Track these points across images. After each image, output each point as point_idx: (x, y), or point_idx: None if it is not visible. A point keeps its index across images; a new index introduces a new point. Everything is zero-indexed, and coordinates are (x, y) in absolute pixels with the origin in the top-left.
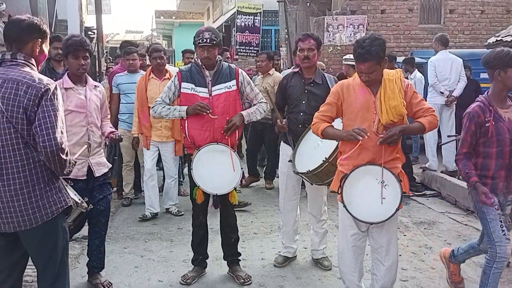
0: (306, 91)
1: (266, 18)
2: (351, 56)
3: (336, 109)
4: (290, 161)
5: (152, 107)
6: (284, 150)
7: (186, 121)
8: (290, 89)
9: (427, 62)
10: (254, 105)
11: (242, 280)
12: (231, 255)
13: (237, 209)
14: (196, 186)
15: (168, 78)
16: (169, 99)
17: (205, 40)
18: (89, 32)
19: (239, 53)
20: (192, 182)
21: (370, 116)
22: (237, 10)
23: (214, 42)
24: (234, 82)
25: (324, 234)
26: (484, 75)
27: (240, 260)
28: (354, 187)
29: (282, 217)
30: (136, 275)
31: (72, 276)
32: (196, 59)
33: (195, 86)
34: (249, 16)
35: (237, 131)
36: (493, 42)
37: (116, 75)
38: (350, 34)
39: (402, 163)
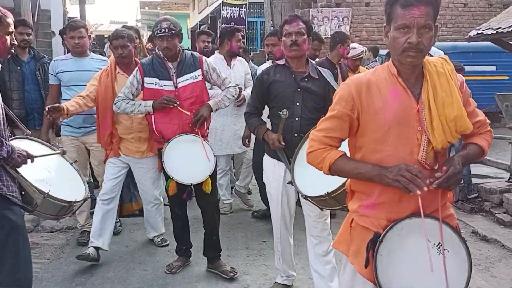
0: (299, 89)
1: (251, 10)
2: (359, 46)
3: (349, 124)
4: (290, 182)
5: (115, 103)
6: (272, 167)
7: (152, 116)
8: (276, 87)
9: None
10: (222, 91)
11: (232, 274)
12: (211, 251)
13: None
14: (170, 178)
15: None
16: (132, 95)
17: (163, 30)
18: None
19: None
20: (166, 174)
21: (412, 136)
22: (222, 1)
23: (173, 31)
24: (199, 71)
25: (332, 272)
26: (468, 68)
27: (221, 255)
28: (396, 256)
29: (277, 246)
30: (121, 265)
31: (57, 266)
32: (157, 51)
33: (159, 79)
34: (234, 7)
35: (206, 122)
36: (474, 35)
37: (55, 59)
38: (335, 27)
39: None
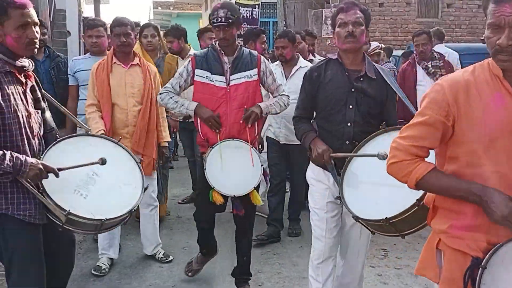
0: (353, 89)
1: (264, 10)
2: (374, 42)
3: (442, 133)
4: (338, 197)
5: (160, 94)
6: (316, 175)
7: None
8: (326, 86)
9: None
10: (274, 97)
11: None
12: (240, 274)
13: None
14: (211, 188)
15: (138, 64)
16: (180, 87)
17: (219, 19)
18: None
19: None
20: (205, 184)
21: None
22: (235, 1)
23: (230, 20)
24: (255, 70)
25: None
26: None
27: (250, 280)
28: (502, 285)
29: (317, 273)
30: (138, 261)
31: (75, 262)
32: (213, 44)
33: (211, 74)
34: (247, 8)
35: (256, 125)
36: None
37: (73, 58)
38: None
39: None
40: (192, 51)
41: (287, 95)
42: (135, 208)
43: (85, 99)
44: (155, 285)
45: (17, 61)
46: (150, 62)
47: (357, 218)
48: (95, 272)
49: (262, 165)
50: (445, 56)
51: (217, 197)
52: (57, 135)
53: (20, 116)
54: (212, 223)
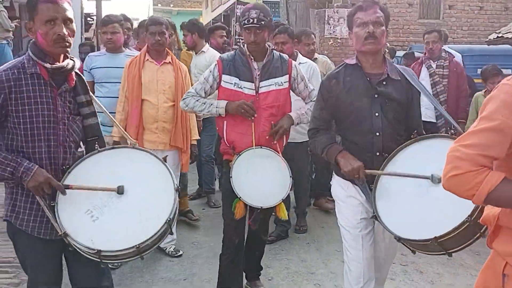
0: (376, 95)
1: None
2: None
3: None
4: (374, 216)
5: (184, 99)
6: (344, 191)
7: (224, 122)
8: (347, 94)
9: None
10: (306, 103)
11: None
12: (251, 270)
13: None
14: (236, 198)
15: (170, 62)
16: (205, 93)
17: (251, 20)
18: (88, 18)
19: (238, 44)
20: (229, 194)
21: None
22: (236, 0)
23: (263, 22)
24: (286, 77)
25: None
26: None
27: (260, 274)
28: None
29: None
30: (149, 255)
31: None
32: (241, 46)
33: (240, 80)
34: None
35: (285, 136)
36: (494, 38)
37: (89, 55)
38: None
39: None
40: (206, 47)
41: None
42: (142, 245)
43: (102, 96)
44: (167, 278)
45: (47, 62)
46: None
47: (399, 239)
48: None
49: (291, 177)
50: (454, 56)
51: (240, 209)
52: (96, 145)
53: (41, 121)
54: (241, 235)
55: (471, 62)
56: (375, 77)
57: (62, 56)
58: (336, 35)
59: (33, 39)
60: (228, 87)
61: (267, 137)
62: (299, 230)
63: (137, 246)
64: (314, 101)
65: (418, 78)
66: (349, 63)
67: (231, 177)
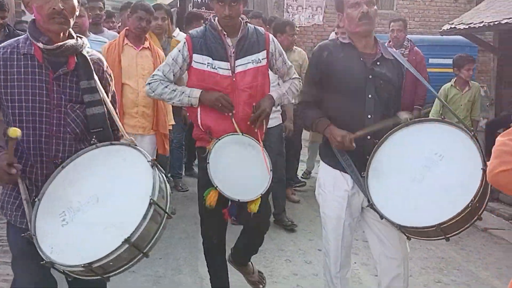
0: (371, 76)
1: None
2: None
3: None
4: (370, 205)
5: (149, 83)
6: (332, 180)
7: (198, 108)
8: (340, 72)
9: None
10: (285, 82)
11: (261, 286)
12: (242, 260)
13: None
14: (212, 186)
15: (149, 47)
16: (174, 76)
17: None
18: None
19: None
20: (205, 181)
21: None
22: None
23: None
24: (264, 53)
25: None
26: (432, 61)
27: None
28: None
29: (336, 285)
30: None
31: None
32: (212, 20)
33: (213, 59)
34: None
35: (264, 121)
36: (447, 29)
37: None
38: (309, 16)
39: None
40: (177, 32)
41: (298, 78)
42: (94, 264)
43: None
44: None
45: (41, 42)
46: (157, 45)
47: (400, 227)
48: None
49: (271, 170)
50: (414, 46)
51: (212, 198)
52: (93, 139)
53: (31, 107)
54: (222, 234)
55: (422, 52)
56: (368, 57)
57: (61, 34)
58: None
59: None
60: (200, 68)
61: (248, 122)
62: (289, 226)
63: (86, 265)
64: (294, 78)
65: None
66: (343, 41)
67: (208, 163)
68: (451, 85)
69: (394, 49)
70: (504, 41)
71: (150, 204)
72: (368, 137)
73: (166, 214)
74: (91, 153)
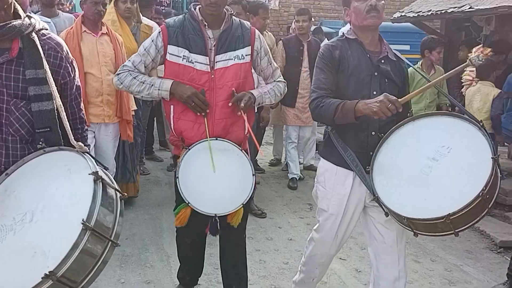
0: (376, 73)
1: None
2: None
3: None
4: (375, 199)
5: (118, 74)
6: (333, 176)
7: (171, 107)
8: (350, 70)
9: (335, 32)
10: (268, 84)
11: None
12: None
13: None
14: (184, 202)
15: (107, 33)
16: (145, 67)
17: None
18: None
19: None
20: (179, 195)
21: None
22: None
23: None
24: (248, 49)
25: None
26: None
27: None
28: None
29: (314, 272)
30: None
31: None
32: (192, 9)
33: (190, 52)
34: None
35: (246, 121)
36: (398, 17)
37: None
38: (265, 1)
39: None
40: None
41: (284, 82)
42: None
43: None
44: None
45: None
46: (127, 30)
47: (407, 220)
48: None
49: (253, 175)
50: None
51: (184, 216)
52: (40, 143)
53: None
54: (194, 238)
55: None
56: (373, 55)
57: (3, 12)
58: None
59: None
60: (175, 61)
61: (229, 104)
62: (259, 215)
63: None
64: (278, 81)
65: None
66: (349, 36)
67: (177, 177)
68: (418, 67)
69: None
70: (450, 29)
71: (82, 230)
72: (373, 132)
73: (109, 242)
74: (37, 160)
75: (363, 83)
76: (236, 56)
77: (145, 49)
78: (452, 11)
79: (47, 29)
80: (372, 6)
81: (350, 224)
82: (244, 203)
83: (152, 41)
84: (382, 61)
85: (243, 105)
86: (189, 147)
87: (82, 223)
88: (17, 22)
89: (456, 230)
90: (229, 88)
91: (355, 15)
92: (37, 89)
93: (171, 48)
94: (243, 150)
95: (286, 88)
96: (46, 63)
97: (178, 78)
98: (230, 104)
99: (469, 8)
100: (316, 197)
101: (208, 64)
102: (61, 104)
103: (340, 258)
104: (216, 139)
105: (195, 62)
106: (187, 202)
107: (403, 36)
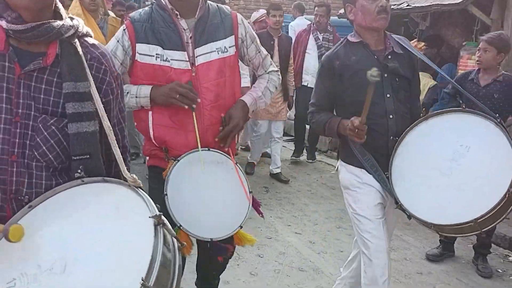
0: (386, 74)
1: None
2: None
3: None
4: (398, 206)
5: None
6: (361, 177)
7: (149, 113)
8: (354, 76)
9: (285, 26)
10: (260, 76)
11: None
12: None
13: None
14: (176, 225)
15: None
16: None
17: None
18: None
19: None
20: (164, 215)
21: None
22: None
23: None
24: (231, 39)
25: None
26: None
27: None
28: None
29: None
30: None
31: None
32: None
33: (164, 48)
34: None
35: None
36: (342, 13)
37: None
38: None
39: None
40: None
41: (276, 70)
42: None
43: None
44: None
45: (3, 18)
46: (93, 25)
47: (434, 226)
48: None
49: (251, 192)
50: (336, 31)
51: (183, 238)
52: (79, 171)
53: None
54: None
55: None
56: (380, 54)
57: (40, 11)
58: None
59: None
60: (147, 61)
61: (216, 139)
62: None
63: None
64: (270, 72)
65: (305, 46)
66: (352, 40)
67: (166, 195)
68: None
69: (400, 38)
70: (390, 24)
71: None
72: (391, 137)
73: None
74: (73, 191)
75: (377, 88)
76: (218, 48)
77: (111, 52)
78: (392, 8)
79: (91, 36)
80: (383, 8)
81: (388, 222)
82: (242, 225)
83: (118, 41)
84: (389, 57)
85: (227, 145)
86: (178, 159)
87: (141, 284)
88: (56, 22)
89: (483, 230)
90: (216, 87)
91: (363, 15)
92: (77, 106)
93: (140, 47)
94: (237, 164)
95: (280, 77)
96: (90, 75)
97: (154, 80)
98: (216, 139)
99: (407, 6)
100: (349, 206)
101: (187, 61)
102: (110, 126)
103: (296, 233)
104: (209, 150)
105: (171, 60)
106: (178, 225)
107: (347, 30)
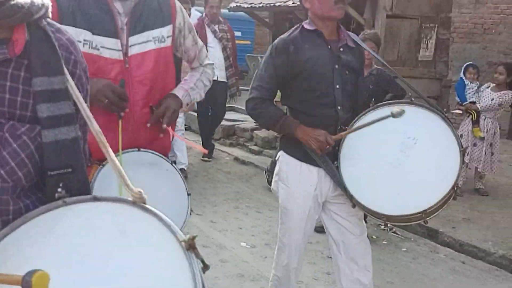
0: (337, 66)
1: None
2: None
3: None
4: (349, 197)
5: None
6: (298, 173)
7: None
8: (310, 64)
9: None
10: (194, 69)
11: None
12: None
13: None
14: None
15: None
16: None
17: None
18: None
19: None
20: None
21: None
22: None
23: None
24: (169, 29)
25: None
26: None
27: None
28: None
29: (290, 276)
30: None
31: None
32: None
33: (93, 34)
34: None
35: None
36: (233, 6)
37: None
38: None
39: None
40: None
41: (211, 64)
42: None
43: None
44: None
45: None
46: None
47: (386, 217)
48: None
49: (189, 194)
50: (227, 21)
51: None
52: (59, 189)
53: None
54: None
55: None
56: (333, 44)
57: None
58: None
59: None
60: None
61: (148, 124)
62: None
63: None
64: (205, 66)
65: (206, 41)
66: (307, 28)
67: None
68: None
69: (353, 34)
70: (277, 19)
71: None
72: (339, 127)
73: None
74: (51, 215)
75: (325, 78)
76: (155, 37)
77: None
78: (279, 5)
79: (49, 17)
80: None
81: (314, 220)
82: (182, 229)
83: None
84: (341, 49)
85: (167, 121)
86: (104, 163)
87: None
88: (20, 2)
89: (427, 219)
90: (150, 82)
91: (320, 4)
92: (53, 108)
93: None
94: (173, 164)
95: (214, 71)
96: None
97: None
98: (149, 125)
99: (292, 3)
100: (277, 194)
101: (120, 50)
102: (100, 130)
103: (197, 214)
104: (139, 150)
105: (101, 47)
106: None
107: (237, 23)
